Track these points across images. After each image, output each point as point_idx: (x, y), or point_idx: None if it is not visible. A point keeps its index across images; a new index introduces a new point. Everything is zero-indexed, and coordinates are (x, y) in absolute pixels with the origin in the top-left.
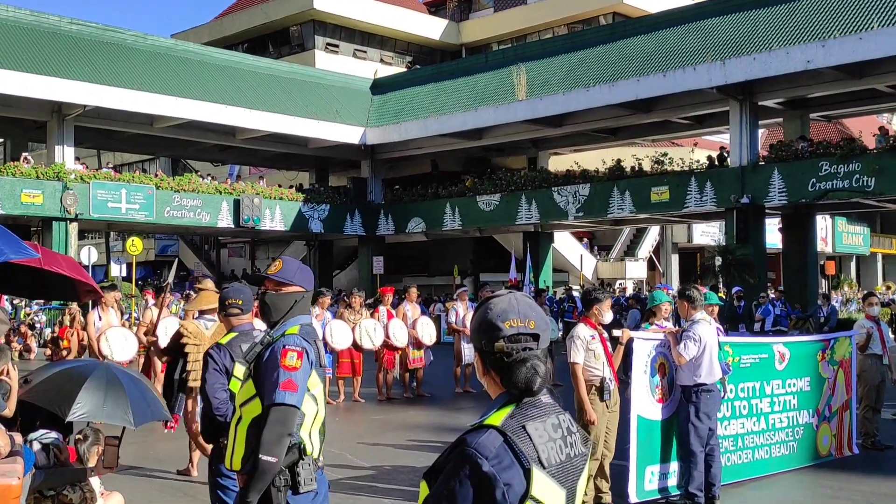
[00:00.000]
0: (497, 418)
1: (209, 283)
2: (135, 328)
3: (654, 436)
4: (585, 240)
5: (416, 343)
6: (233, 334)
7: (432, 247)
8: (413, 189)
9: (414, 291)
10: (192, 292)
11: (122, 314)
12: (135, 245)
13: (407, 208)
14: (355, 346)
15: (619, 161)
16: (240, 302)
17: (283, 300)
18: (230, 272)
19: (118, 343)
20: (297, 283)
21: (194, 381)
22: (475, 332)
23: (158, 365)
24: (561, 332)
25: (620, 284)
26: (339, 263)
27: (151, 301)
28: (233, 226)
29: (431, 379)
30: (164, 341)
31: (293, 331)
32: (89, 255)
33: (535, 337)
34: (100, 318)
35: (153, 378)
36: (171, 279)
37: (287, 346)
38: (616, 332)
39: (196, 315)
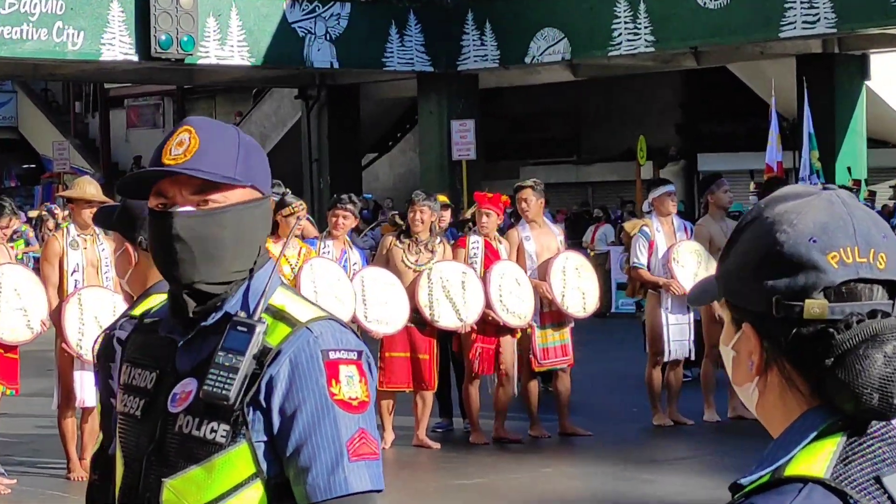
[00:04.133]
0: (814, 462)
1: (88, 186)
2: None
3: None
4: None
5: (553, 314)
6: (160, 296)
7: (586, 95)
8: None
9: (531, 195)
10: (53, 210)
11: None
12: None
13: (526, 8)
14: (418, 323)
15: None
16: None
17: (230, 227)
18: (133, 163)
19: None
20: (247, 178)
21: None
22: (748, 277)
23: None
24: None
25: None
26: (376, 140)
27: None
28: (136, 58)
29: (590, 395)
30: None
31: (298, 306)
32: None
33: (892, 287)
34: None
35: None
36: None
37: (334, 354)
38: None
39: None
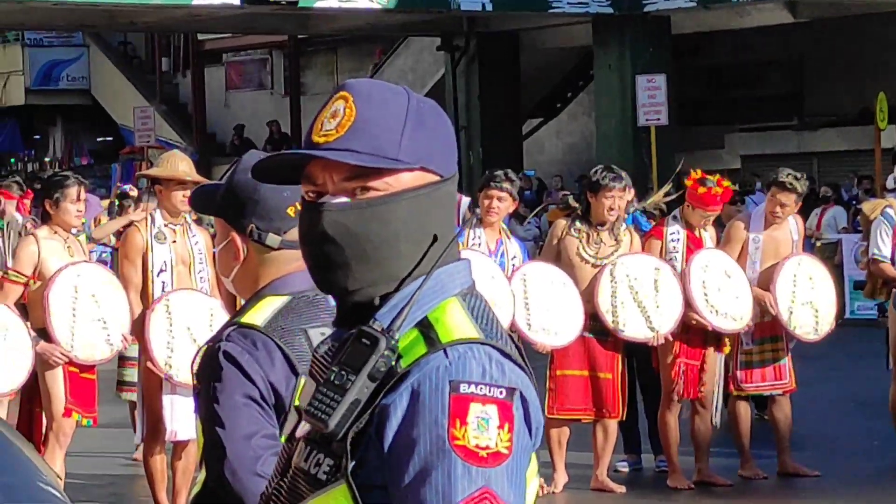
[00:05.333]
0: None
1: (179, 162)
2: None
3: None
4: None
5: (765, 326)
6: (275, 299)
7: (810, 42)
8: None
9: (794, 200)
10: (128, 192)
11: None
12: None
13: None
14: (598, 332)
15: None
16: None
17: (393, 221)
18: (234, 134)
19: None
20: (416, 159)
21: None
22: None
23: (60, 399)
24: None
25: None
26: (540, 102)
27: (23, 222)
28: (238, 1)
29: (817, 425)
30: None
31: (454, 321)
32: None
33: None
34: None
35: (38, 431)
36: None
37: (466, 387)
38: None
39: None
